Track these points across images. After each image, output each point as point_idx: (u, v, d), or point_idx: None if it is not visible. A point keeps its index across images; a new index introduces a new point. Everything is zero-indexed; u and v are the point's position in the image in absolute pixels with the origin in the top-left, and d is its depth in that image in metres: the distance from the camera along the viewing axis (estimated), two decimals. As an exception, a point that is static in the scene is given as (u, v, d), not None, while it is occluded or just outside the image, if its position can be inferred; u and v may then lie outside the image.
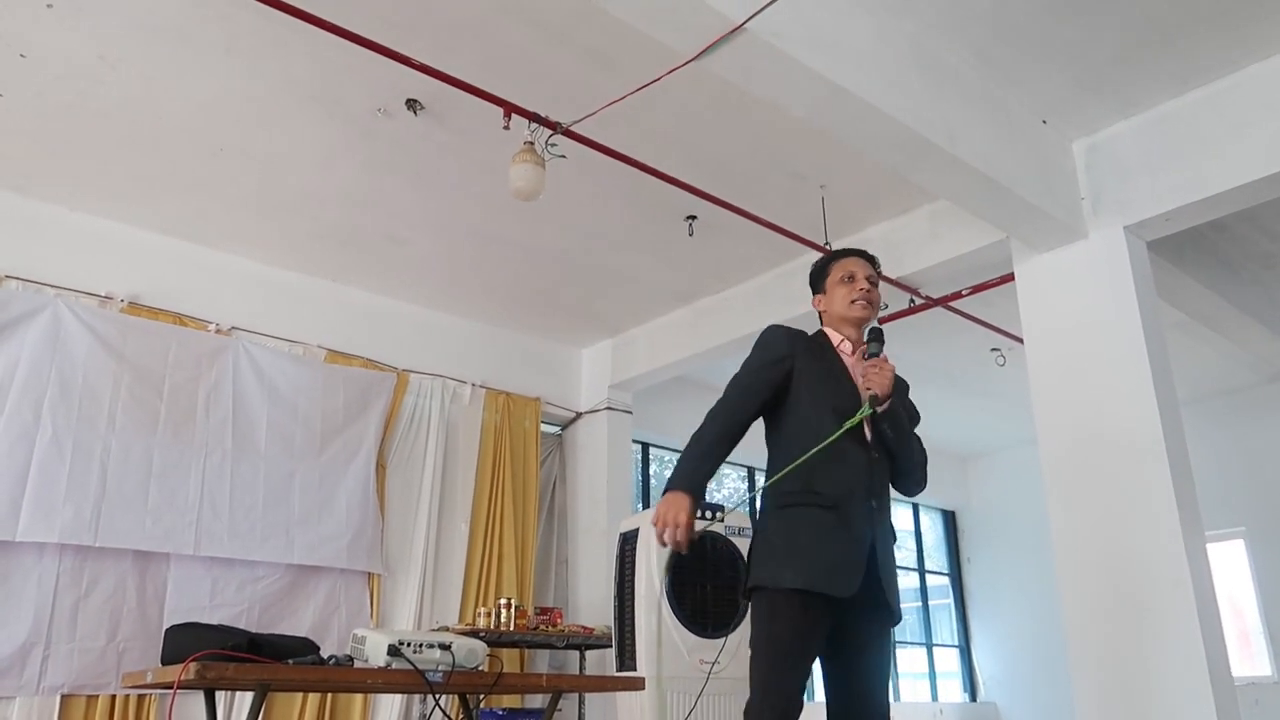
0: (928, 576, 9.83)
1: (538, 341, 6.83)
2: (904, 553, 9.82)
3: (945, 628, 9.83)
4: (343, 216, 5.09)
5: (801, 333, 2.62)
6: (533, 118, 3.94)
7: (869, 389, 2.47)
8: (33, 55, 3.81)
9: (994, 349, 6.57)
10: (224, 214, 5.05)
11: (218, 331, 5.23)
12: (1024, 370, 4.49)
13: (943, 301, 5.60)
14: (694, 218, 5.09)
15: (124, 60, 3.85)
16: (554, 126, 3.99)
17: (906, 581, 9.74)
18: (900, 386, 2.60)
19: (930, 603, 9.75)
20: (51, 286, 4.73)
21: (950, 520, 10.23)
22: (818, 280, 2.78)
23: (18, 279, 4.65)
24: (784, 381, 2.53)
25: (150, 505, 4.69)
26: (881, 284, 5.01)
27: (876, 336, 2.60)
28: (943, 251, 4.93)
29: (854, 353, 2.63)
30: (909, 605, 9.70)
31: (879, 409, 2.46)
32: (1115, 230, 4.21)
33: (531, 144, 3.88)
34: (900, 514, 9.87)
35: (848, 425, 2.40)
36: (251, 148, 4.46)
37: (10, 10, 3.55)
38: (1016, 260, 4.54)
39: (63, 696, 4.34)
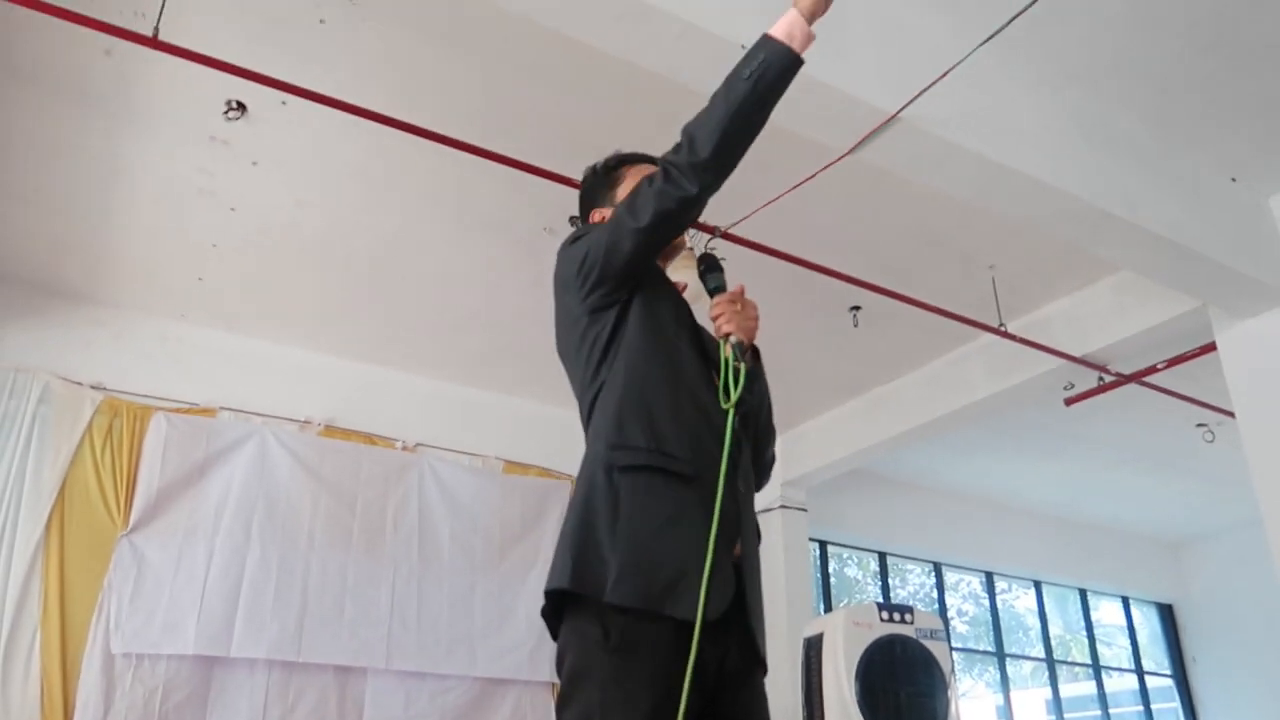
0: (1147, 678, 8.93)
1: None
2: (1116, 650, 9.01)
3: (1171, 734, 8.87)
4: (515, 332, 5.31)
5: None
6: (692, 224, 4.02)
7: (725, 334, 1.83)
8: (241, 207, 4.24)
9: (1200, 424, 6.06)
10: (407, 337, 5.37)
11: (404, 449, 5.50)
12: (1237, 446, 4.10)
13: (1136, 377, 5.23)
14: (858, 308, 5.01)
15: (317, 204, 4.22)
16: (712, 231, 4.05)
17: (1123, 684, 8.89)
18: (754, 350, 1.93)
19: (1153, 706, 8.82)
20: (258, 415, 5.14)
21: (1168, 615, 9.31)
22: (601, 190, 2.07)
23: (230, 409, 5.08)
24: (629, 295, 1.80)
25: (346, 620, 4.90)
26: (1068, 363, 4.85)
27: (713, 265, 1.98)
28: (1132, 325, 4.63)
29: (683, 289, 1.98)
30: (1129, 710, 8.82)
31: (745, 363, 1.78)
32: (1329, 288, 3.85)
33: (691, 250, 3.94)
34: (1107, 608, 9.09)
35: (726, 358, 1.75)
36: (430, 274, 4.76)
37: (223, 170, 3.99)
38: (1217, 329, 4.20)
39: (274, 809, 4.51)
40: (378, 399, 5.60)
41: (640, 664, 1.49)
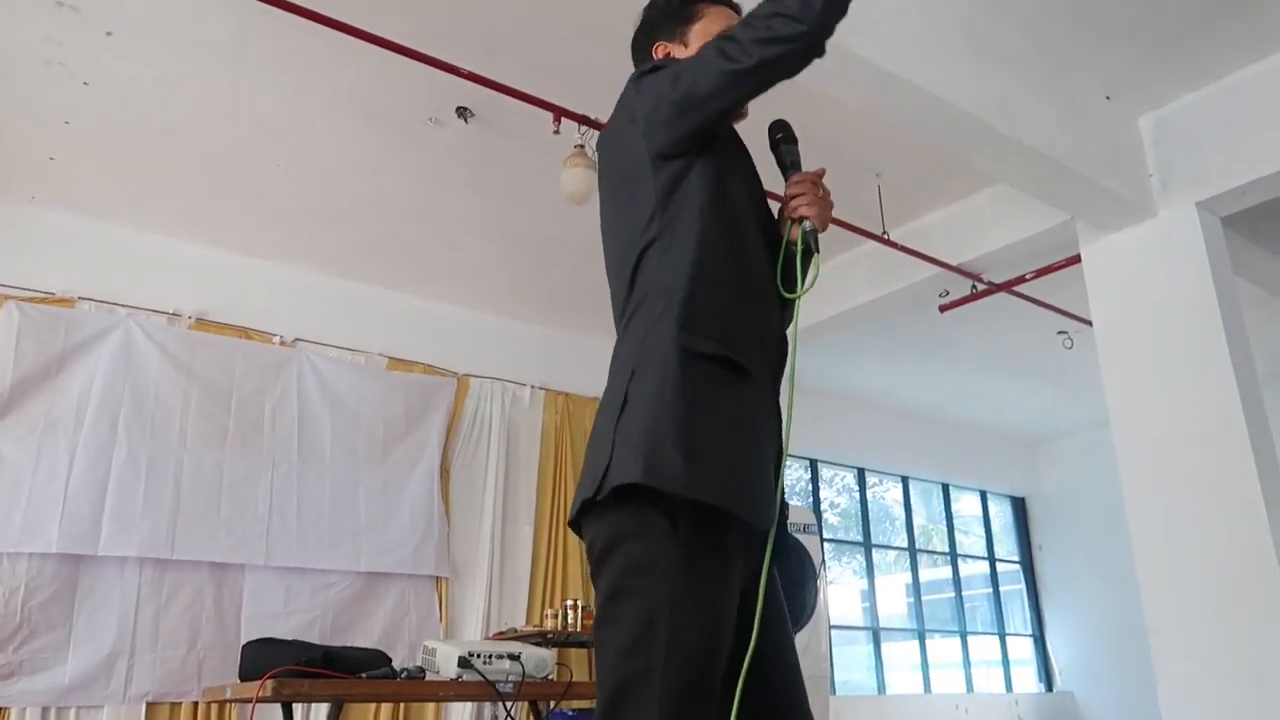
0: (998, 564, 9.64)
1: (594, 341, 6.81)
2: (973, 539, 9.67)
3: (1018, 616, 9.64)
4: (399, 225, 5.14)
5: None
6: (582, 120, 3.93)
7: (801, 217, 1.67)
8: (95, 82, 3.91)
9: (1061, 332, 6.41)
10: (284, 228, 5.14)
11: (282, 344, 5.33)
12: (1092, 353, 4.36)
13: (1006, 286, 5.46)
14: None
15: (182, 81, 3.93)
16: (603, 128, 3.97)
17: (976, 569, 9.59)
18: None
19: (1001, 590, 9.56)
20: (122, 306, 4.87)
21: (1020, 506, 10.02)
22: (670, 23, 1.84)
23: (90, 300, 4.79)
24: (700, 149, 1.63)
25: (223, 518, 4.80)
26: (945, 272, 5.02)
27: (790, 135, 1.80)
28: (1005, 236, 4.82)
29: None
30: (980, 592, 9.54)
31: (815, 249, 1.66)
32: (1187, 207, 4.07)
33: (582, 147, 3.87)
34: (967, 500, 9.72)
35: (795, 242, 1.64)
36: (307, 161, 4.53)
37: (73, 40, 3.65)
38: (1083, 242, 4.41)
39: (148, 704, 4.46)
40: (253, 292, 5.37)
41: (707, 561, 1.40)
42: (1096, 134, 4.04)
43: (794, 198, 1.69)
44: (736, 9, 1.84)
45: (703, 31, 1.78)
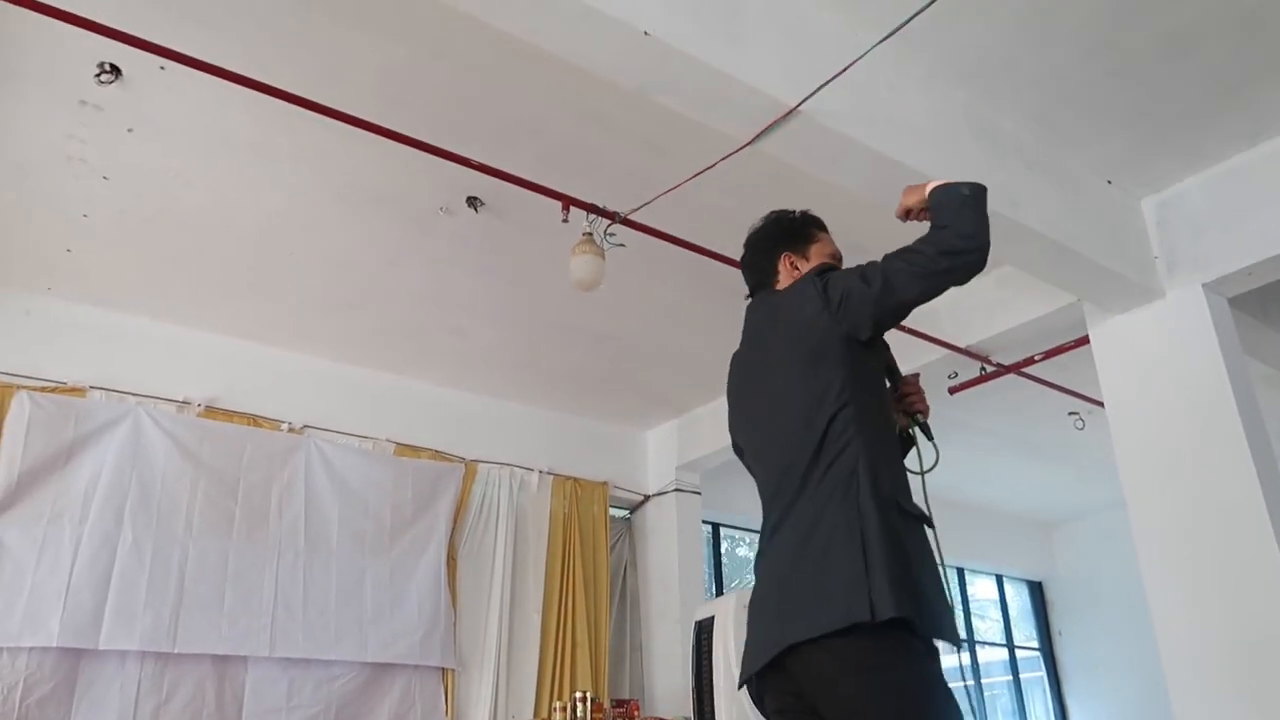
0: (1017, 651, 9.40)
1: (603, 425, 6.81)
2: (989, 624, 9.45)
3: (1039, 704, 9.36)
4: (408, 312, 5.18)
5: None
6: (590, 209, 3.99)
7: (918, 411, 2.18)
8: (115, 177, 4.00)
9: (1072, 413, 6.37)
10: (294, 316, 5.18)
11: (290, 430, 5.32)
12: (1105, 434, 4.32)
13: (1015, 368, 5.45)
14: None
15: (198, 175, 4.02)
16: (612, 216, 4.02)
17: (995, 655, 9.35)
18: None
19: (1021, 677, 9.30)
20: (133, 395, 4.88)
21: (1037, 591, 9.81)
22: (794, 240, 2.33)
23: (101, 389, 4.81)
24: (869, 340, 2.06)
25: (226, 609, 4.71)
26: (953, 354, 5.02)
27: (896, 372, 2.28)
28: (1012, 318, 4.82)
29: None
30: (999, 679, 9.28)
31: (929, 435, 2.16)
32: (1193, 288, 4.08)
33: (590, 234, 3.92)
34: (983, 585, 9.52)
35: (913, 432, 2.14)
36: (319, 251, 4.59)
37: (95, 137, 3.75)
38: (1091, 324, 4.41)
39: (144, 806, 4.33)
40: (262, 379, 5.38)
41: (937, 665, 1.87)
42: (1100, 217, 4.08)
43: (908, 395, 2.17)
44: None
45: (819, 251, 2.28)
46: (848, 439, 1.91)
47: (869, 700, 1.77)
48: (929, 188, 2.10)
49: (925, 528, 1.95)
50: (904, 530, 1.88)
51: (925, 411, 2.16)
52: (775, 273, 2.29)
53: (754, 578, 2.02)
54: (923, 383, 2.33)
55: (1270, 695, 3.52)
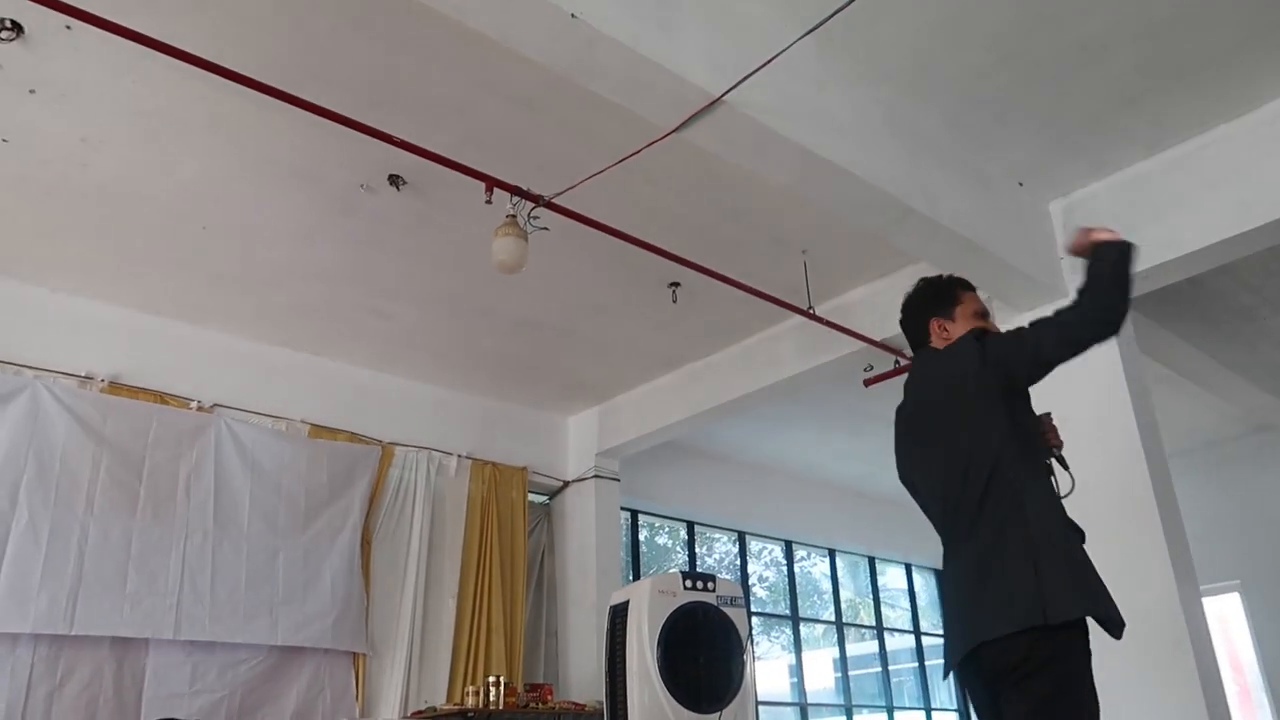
0: (923, 638, 9.69)
1: (523, 411, 6.79)
2: (899, 612, 9.72)
3: (944, 690, 9.67)
4: (325, 291, 5.08)
5: None
6: (515, 191, 3.96)
7: (1050, 444, 2.46)
8: (15, 140, 3.82)
9: (980, 407, 6.57)
10: (206, 291, 5.03)
11: (199, 409, 5.17)
12: (1012, 428, 4.48)
13: (927, 361, 5.59)
14: (677, 284, 5.11)
15: (106, 142, 3.87)
16: (536, 200, 4.00)
17: (903, 642, 9.62)
18: None
19: (927, 664, 9.59)
20: (31, 368, 4.68)
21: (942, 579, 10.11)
22: (940, 303, 2.59)
23: (-3, 361, 4.61)
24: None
25: (129, 590, 4.57)
26: (869, 347, 5.14)
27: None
28: (926, 313, 4.95)
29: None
30: (906, 666, 9.56)
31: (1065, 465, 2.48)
32: (1095, 289, 4.25)
33: (514, 217, 3.89)
34: (893, 574, 9.79)
35: (1061, 464, 2.43)
36: (233, 225, 4.47)
37: (-8, 96, 3.58)
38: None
39: (35, 793, 4.18)
40: (171, 356, 5.22)
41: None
42: (1011, 217, 4.23)
43: (1044, 433, 2.45)
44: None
45: (963, 312, 2.53)
46: (1013, 474, 2.25)
47: (1040, 686, 2.13)
48: (1097, 238, 2.32)
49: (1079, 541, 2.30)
50: (1068, 544, 2.24)
51: (1059, 445, 2.47)
52: (927, 334, 2.58)
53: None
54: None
55: (1154, 678, 3.70)
